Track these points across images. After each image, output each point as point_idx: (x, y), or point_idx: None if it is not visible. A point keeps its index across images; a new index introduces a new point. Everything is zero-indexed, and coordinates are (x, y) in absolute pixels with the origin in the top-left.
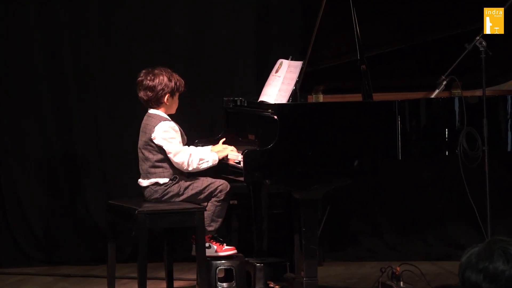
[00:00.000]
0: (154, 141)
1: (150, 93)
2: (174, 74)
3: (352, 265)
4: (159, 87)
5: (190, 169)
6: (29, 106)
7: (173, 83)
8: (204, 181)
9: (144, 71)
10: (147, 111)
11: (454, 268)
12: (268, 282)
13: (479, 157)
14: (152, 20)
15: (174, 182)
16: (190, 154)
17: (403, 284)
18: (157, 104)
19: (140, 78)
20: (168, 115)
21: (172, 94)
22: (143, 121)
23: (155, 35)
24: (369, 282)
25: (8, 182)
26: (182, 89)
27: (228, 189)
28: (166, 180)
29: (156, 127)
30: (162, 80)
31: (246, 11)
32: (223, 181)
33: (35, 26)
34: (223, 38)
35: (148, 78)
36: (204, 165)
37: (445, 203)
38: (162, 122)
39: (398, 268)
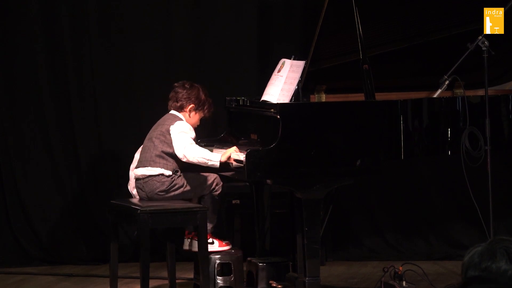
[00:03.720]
0: (170, 131)
1: (179, 95)
2: (209, 98)
3: (354, 265)
4: (188, 95)
5: (187, 153)
6: (30, 106)
7: (202, 99)
8: (201, 175)
9: (185, 81)
10: (159, 109)
11: (456, 267)
12: (270, 281)
13: (482, 157)
14: (153, 20)
15: (178, 175)
16: (192, 142)
17: (406, 284)
18: (179, 109)
19: (178, 83)
20: None
21: (196, 107)
22: (163, 117)
23: (156, 35)
24: (371, 281)
25: (10, 182)
26: (207, 112)
27: (220, 182)
28: (170, 172)
29: (177, 122)
30: (196, 92)
31: (248, 10)
32: (214, 174)
33: (36, 26)
34: (225, 38)
35: (186, 85)
36: (202, 155)
37: (446, 203)
38: (184, 121)
39: (400, 268)
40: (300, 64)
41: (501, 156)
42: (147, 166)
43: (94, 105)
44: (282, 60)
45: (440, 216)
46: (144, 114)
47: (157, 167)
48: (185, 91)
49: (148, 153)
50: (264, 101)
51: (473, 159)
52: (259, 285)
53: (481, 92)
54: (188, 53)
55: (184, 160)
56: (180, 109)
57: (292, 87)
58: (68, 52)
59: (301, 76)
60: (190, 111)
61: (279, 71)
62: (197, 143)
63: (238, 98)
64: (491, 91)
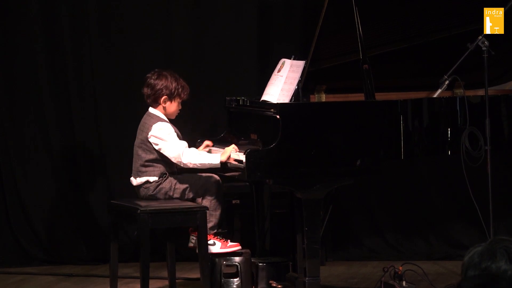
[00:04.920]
0: (149, 139)
1: (149, 91)
2: (180, 80)
3: (354, 265)
4: (159, 87)
5: (185, 160)
6: (30, 106)
7: (173, 87)
8: (194, 175)
9: (155, 70)
10: (147, 110)
11: (456, 267)
12: (270, 281)
13: (482, 157)
14: (153, 20)
15: (164, 179)
16: (186, 146)
17: (406, 284)
18: (155, 103)
19: (147, 75)
20: (168, 119)
21: (170, 97)
22: (142, 119)
23: (156, 35)
24: (371, 281)
25: (10, 182)
26: (184, 96)
27: (219, 182)
28: (156, 178)
29: (153, 126)
30: (165, 81)
31: (248, 10)
32: (212, 174)
33: (36, 26)
34: (225, 38)
35: (154, 76)
36: (201, 159)
37: (446, 203)
38: (159, 122)
39: (400, 268)
40: (300, 64)
41: (501, 156)
42: (136, 177)
43: (94, 105)
44: (282, 60)
45: (440, 216)
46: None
47: (143, 176)
48: (154, 84)
49: (135, 163)
50: (264, 101)
51: (473, 159)
52: (259, 285)
53: (481, 92)
54: (188, 53)
55: (183, 166)
56: (155, 103)
57: (292, 87)
58: (68, 52)
59: (301, 76)
60: (164, 102)
61: (279, 71)
62: (196, 143)
63: (238, 98)
64: (491, 91)
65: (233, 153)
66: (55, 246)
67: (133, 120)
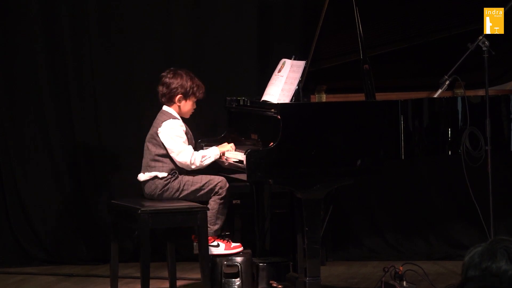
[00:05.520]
0: (159, 135)
1: (164, 89)
2: (195, 79)
3: (354, 265)
4: (174, 86)
5: (193, 167)
6: (30, 106)
7: (188, 86)
8: (203, 178)
9: (170, 68)
10: (159, 109)
11: (456, 267)
12: (270, 281)
13: (482, 157)
14: (153, 20)
15: (174, 178)
16: (193, 153)
17: (406, 284)
18: (169, 102)
19: (162, 73)
20: (182, 118)
21: (185, 96)
22: (157, 116)
23: (156, 35)
24: (371, 281)
25: (10, 182)
26: (199, 95)
27: (227, 186)
28: (165, 174)
29: (164, 123)
30: (180, 80)
31: (248, 10)
32: (221, 177)
33: (36, 26)
34: (225, 38)
35: (169, 75)
36: (207, 161)
37: (446, 203)
38: (171, 119)
39: (401, 268)
40: (301, 64)
41: (501, 156)
42: (145, 172)
43: (94, 105)
44: (283, 60)
45: (440, 216)
46: (144, 114)
47: (152, 171)
48: (169, 82)
49: (145, 158)
50: (265, 101)
51: (473, 159)
52: (259, 285)
53: (481, 92)
54: (188, 53)
55: (195, 169)
56: (170, 101)
57: (293, 87)
58: (68, 52)
59: (302, 76)
60: (179, 101)
61: (279, 71)
62: (197, 143)
63: (238, 98)
64: (492, 91)
65: (229, 153)
66: (55, 246)
67: (133, 120)
